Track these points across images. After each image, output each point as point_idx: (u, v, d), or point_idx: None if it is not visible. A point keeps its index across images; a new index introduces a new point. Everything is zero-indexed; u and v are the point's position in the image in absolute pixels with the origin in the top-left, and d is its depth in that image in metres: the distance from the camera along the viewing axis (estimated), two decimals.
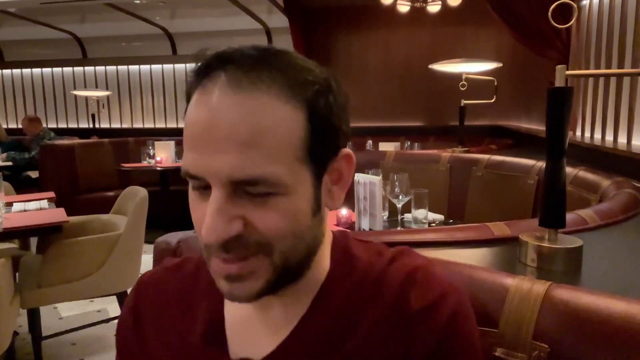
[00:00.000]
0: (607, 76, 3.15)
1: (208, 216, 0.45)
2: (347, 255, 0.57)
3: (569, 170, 1.74)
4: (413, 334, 0.51)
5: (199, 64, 0.48)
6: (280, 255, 0.48)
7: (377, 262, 0.55)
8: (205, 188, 0.47)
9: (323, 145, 0.49)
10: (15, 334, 2.51)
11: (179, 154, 4.81)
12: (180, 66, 7.04)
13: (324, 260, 0.56)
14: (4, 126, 6.35)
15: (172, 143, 4.79)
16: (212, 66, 0.47)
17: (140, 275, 2.74)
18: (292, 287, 0.53)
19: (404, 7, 4.47)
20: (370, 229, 1.86)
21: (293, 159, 0.47)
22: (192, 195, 0.49)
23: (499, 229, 1.11)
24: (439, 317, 0.51)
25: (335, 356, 0.52)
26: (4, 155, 5.15)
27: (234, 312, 0.57)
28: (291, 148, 0.46)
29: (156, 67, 7.15)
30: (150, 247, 1.24)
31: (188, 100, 0.49)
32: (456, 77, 3.64)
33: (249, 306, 0.55)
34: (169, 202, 4.64)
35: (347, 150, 0.52)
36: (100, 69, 7.34)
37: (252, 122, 0.44)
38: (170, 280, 0.62)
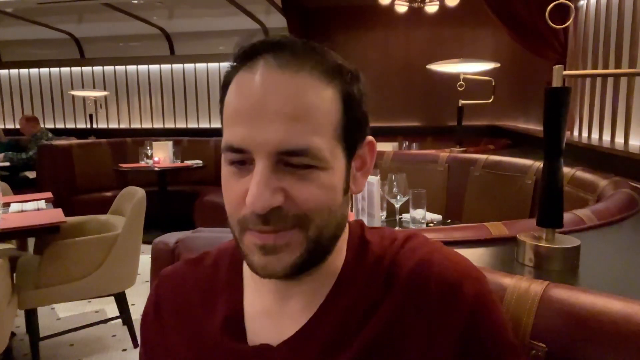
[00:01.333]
0: (604, 76, 3.15)
1: (254, 186, 0.47)
2: (361, 242, 0.58)
3: (566, 170, 1.74)
4: (437, 318, 0.52)
5: (244, 48, 0.52)
6: (316, 229, 0.50)
7: (390, 247, 0.57)
8: (243, 163, 0.50)
9: (354, 128, 0.53)
10: (13, 334, 2.51)
11: (176, 154, 4.80)
12: (178, 66, 7.02)
13: (343, 248, 0.58)
14: (1, 126, 6.34)
15: (170, 143, 4.77)
16: (259, 50, 0.50)
17: (138, 274, 2.71)
18: (313, 273, 0.54)
19: (402, 8, 4.47)
20: None
21: (331, 136, 0.51)
22: (228, 172, 0.51)
23: (497, 228, 1.12)
24: (462, 298, 0.51)
25: (354, 341, 0.52)
26: (1, 155, 5.12)
27: (253, 304, 0.58)
28: (331, 126, 0.51)
29: (154, 67, 7.12)
30: (148, 247, 1.24)
31: (226, 85, 0.52)
32: (454, 78, 3.65)
33: (268, 297, 0.57)
34: (167, 202, 4.64)
35: (371, 137, 0.57)
36: (97, 69, 7.32)
37: (299, 99, 0.48)
38: (190, 274, 0.64)
